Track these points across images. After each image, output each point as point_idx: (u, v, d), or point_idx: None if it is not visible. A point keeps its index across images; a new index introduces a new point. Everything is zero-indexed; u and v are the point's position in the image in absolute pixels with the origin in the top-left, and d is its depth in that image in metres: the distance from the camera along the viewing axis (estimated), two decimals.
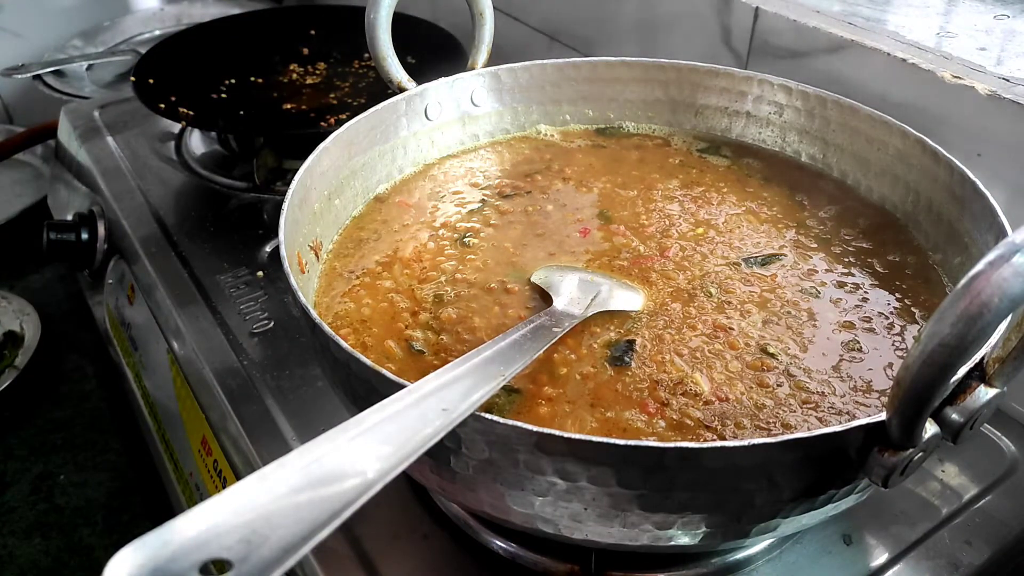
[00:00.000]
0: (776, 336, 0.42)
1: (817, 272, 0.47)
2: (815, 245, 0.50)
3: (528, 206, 0.54)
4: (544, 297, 0.44)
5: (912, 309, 0.44)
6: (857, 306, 0.44)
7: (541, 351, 0.36)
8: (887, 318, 0.44)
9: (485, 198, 0.55)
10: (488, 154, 0.60)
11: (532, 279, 0.46)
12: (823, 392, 0.39)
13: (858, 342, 0.42)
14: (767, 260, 0.48)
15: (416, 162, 0.58)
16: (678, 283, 0.46)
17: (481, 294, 0.46)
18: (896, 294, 0.45)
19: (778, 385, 0.39)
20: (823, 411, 0.38)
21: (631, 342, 0.41)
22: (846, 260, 0.48)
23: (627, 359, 0.40)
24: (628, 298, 0.44)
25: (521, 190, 0.55)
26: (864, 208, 0.53)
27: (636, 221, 0.52)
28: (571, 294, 0.43)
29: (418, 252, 0.49)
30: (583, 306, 0.42)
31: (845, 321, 0.43)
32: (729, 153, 0.59)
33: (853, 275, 0.47)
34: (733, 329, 0.42)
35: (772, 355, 0.41)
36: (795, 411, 0.38)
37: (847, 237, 0.50)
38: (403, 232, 0.51)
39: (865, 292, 0.46)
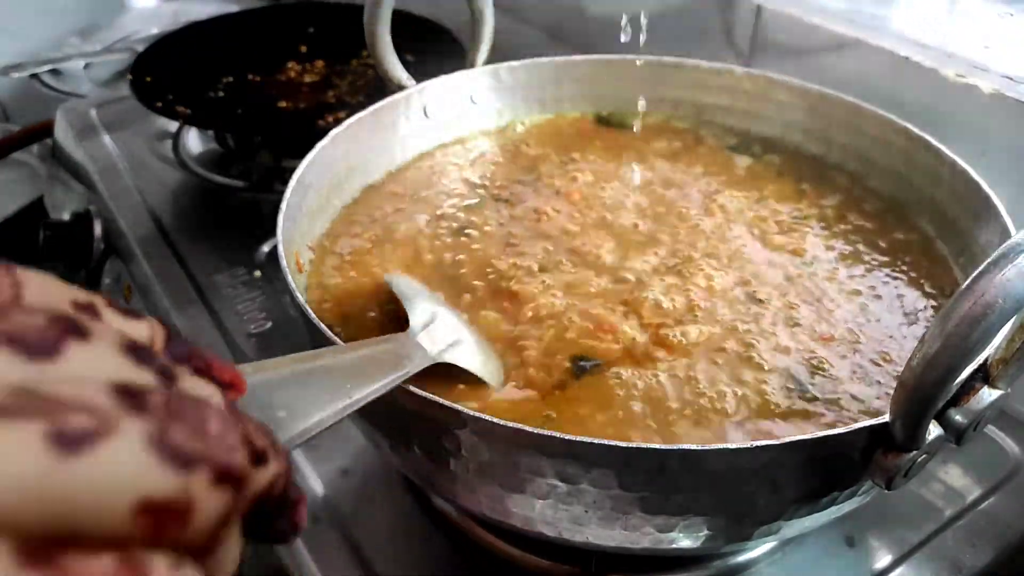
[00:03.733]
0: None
1: (822, 262, 0.47)
2: (817, 235, 0.49)
3: (536, 199, 0.53)
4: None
5: (920, 281, 0.45)
6: (870, 287, 0.45)
7: (392, 385, 0.30)
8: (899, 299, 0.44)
9: (489, 192, 0.54)
10: (490, 149, 0.59)
11: (387, 279, 0.42)
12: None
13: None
14: (774, 249, 0.48)
15: (415, 160, 0.57)
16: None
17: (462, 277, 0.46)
18: (905, 274, 0.45)
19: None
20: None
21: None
22: (849, 254, 0.48)
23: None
24: (484, 367, 0.37)
25: (528, 183, 0.55)
26: (867, 206, 0.52)
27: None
28: (428, 322, 0.36)
29: (412, 237, 0.49)
30: (438, 347, 0.35)
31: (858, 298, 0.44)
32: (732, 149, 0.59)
33: (859, 268, 0.47)
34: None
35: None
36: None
37: (849, 232, 0.50)
38: (397, 216, 0.51)
39: (874, 281, 0.46)
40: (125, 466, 0.11)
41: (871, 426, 0.30)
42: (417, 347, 0.34)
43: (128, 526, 0.11)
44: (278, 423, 0.21)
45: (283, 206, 0.42)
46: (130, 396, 0.12)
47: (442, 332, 0.36)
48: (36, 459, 0.11)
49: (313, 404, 0.23)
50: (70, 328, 0.13)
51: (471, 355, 0.37)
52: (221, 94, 0.81)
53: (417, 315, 0.36)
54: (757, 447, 0.29)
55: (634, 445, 0.29)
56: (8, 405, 0.11)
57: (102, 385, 0.12)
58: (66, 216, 0.80)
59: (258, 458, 0.15)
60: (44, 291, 0.15)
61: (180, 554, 0.12)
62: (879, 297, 0.45)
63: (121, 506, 0.11)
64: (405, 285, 0.41)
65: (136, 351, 0.14)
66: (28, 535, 0.11)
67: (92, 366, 0.13)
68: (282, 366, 0.23)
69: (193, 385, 0.15)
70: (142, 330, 0.16)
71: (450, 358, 0.35)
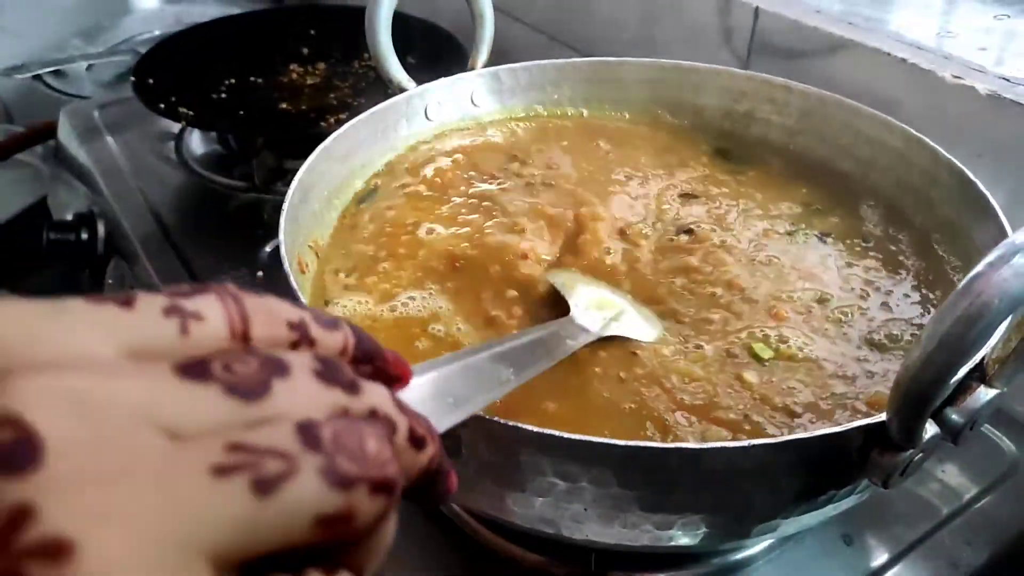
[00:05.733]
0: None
1: (815, 262, 0.47)
2: (813, 235, 0.49)
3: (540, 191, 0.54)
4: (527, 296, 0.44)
5: (916, 282, 0.45)
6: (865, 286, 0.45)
7: (554, 362, 0.34)
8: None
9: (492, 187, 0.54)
10: (492, 153, 0.60)
11: (549, 278, 0.45)
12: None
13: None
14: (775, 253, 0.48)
15: (416, 161, 0.58)
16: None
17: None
18: (901, 274, 0.46)
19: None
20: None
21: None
22: (845, 254, 0.48)
23: None
24: (645, 328, 0.42)
25: (536, 180, 0.55)
26: (865, 207, 0.53)
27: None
28: (588, 306, 0.41)
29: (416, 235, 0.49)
30: (599, 324, 0.40)
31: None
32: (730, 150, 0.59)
33: (856, 268, 0.47)
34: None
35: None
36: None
37: (846, 232, 0.50)
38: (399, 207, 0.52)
39: (871, 279, 0.46)
40: (305, 496, 0.15)
41: (867, 425, 0.30)
42: (580, 328, 0.39)
43: (307, 535, 0.15)
44: (446, 408, 0.24)
45: (285, 207, 0.42)
46: (309, 434, 0.16)
47: (599, 313, 0.41)
48: (243, 504, 0.14)
49: (477, 389, 0.26)
50: (276, 369, 0.17)
51: (632, 323, 0.42)
52: (223, 96, 0.82)
53: (576, 299, 0.41)
54: (754, 446, 0.29)
55: (633, 444, 0.30)
56: (227, 464, 0.14)
57: (291, 427, 0.16)
58: (69, 217, 0.80)
59: (419, 443, 0.19)
60: (267, 320, 0.18)
61: (335, 561, 0.16)
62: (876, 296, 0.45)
63: (302, 524, 0.15)
64: (565, 277, 0.45)
65: (327, 375, 0.18)
66: (227, 561, 0.14)
67: (289, 401, 0.16)
68: (454, 360, 0.26)
69: (368, 394, 0.18)
70: (338, 339, 0.20)
71: (613, 330, 0.40)
